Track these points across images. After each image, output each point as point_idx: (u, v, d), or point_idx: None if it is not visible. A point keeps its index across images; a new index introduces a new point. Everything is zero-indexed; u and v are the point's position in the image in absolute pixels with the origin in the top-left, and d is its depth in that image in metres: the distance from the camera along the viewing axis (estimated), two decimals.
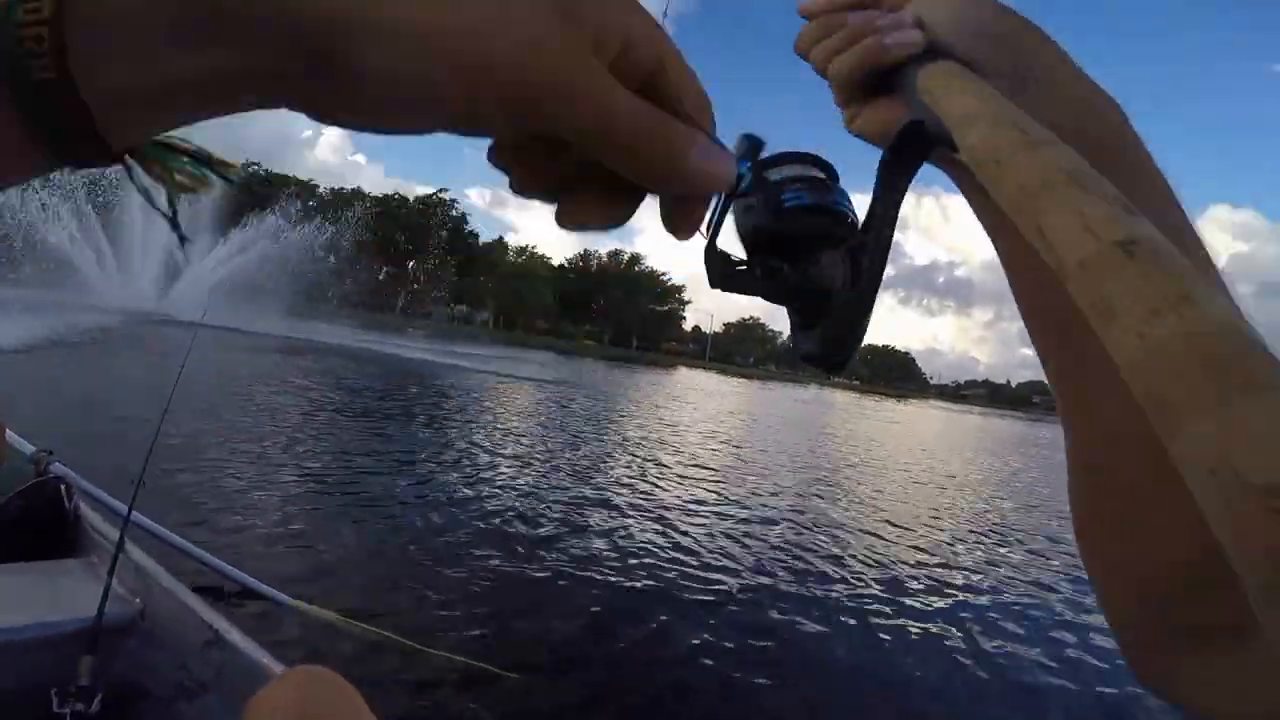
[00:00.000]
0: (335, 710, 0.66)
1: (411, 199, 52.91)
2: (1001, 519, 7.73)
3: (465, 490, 4.78)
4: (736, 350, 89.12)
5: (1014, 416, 66.38)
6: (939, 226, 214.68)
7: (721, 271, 0.30)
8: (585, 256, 75.29)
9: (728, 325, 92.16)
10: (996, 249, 0.35)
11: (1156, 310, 0.15)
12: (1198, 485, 0.12)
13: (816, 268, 0.30)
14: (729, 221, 0.30)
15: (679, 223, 0.22)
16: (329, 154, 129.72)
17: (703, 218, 0.23)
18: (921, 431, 25.54)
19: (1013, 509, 8.63)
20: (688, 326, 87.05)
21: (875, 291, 0.29)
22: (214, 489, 3.74)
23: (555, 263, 71.10)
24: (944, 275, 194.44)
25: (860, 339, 0.30)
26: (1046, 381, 0.34)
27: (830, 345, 0.30)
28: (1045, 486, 10.94)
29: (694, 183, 0.20)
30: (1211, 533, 0.12)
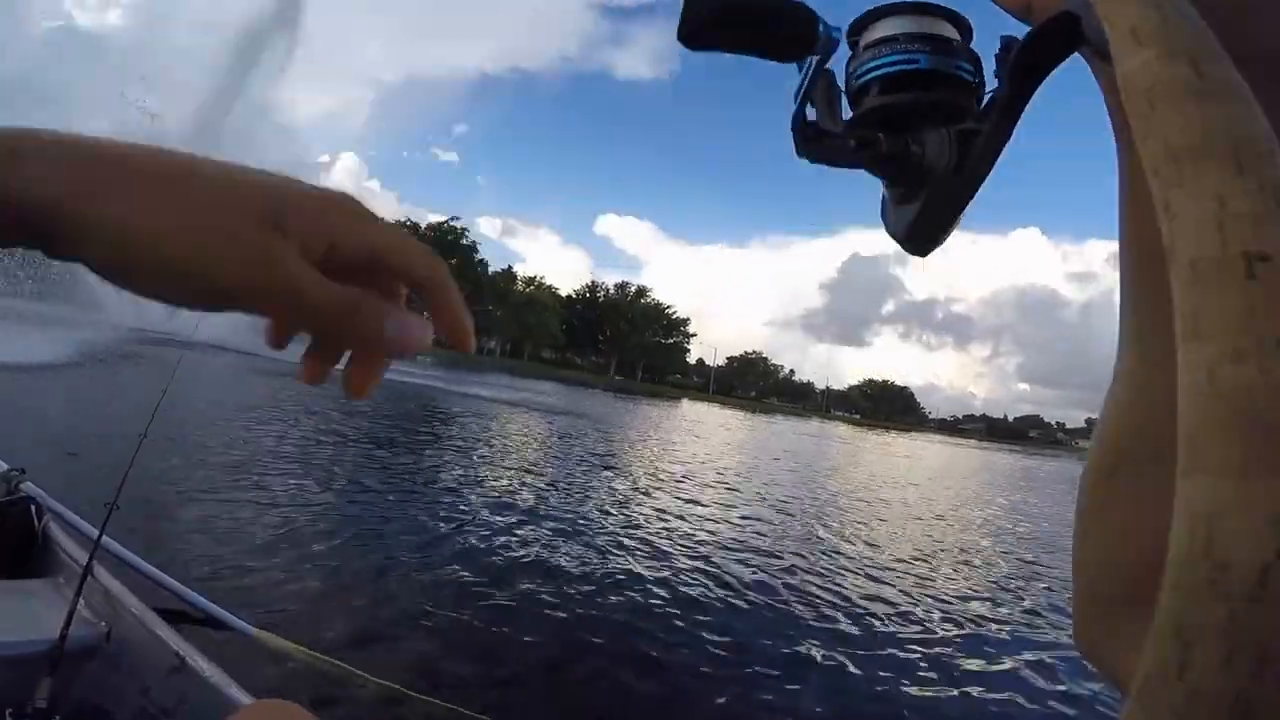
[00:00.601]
0: None
1: (423, 226, 53.72)
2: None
3: (452, 523, 4.65)
4: (739, 383, 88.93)
5: (1010, 449, 66.45)
6: (938, 263, 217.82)
7: (807, 139, 0.27)
8: (593, 287, 75.95)
9: (730, 359, 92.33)
10: (1119, 158, 0.29)
11: (1242, 353, 0.13)
12: (1179, 526, 0.12)
13: (919, 145, 0.27)
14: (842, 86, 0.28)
15: (352, 380, 0.25)
16: (344, 177, 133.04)
17: (378, 381, 0.25)
18: (934, 463, 25.39)
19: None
20: (691, 359, 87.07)
21: (979, 183, 0.26)
22: (190, 514, 3.66)
23: (563, 293, 71.70)
24: (943, 311, 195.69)
25: (952, 228, 0.28)
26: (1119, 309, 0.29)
27: (922, 227, 0.28)
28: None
29: (387, 347, 0.23)
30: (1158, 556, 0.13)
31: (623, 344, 72.15)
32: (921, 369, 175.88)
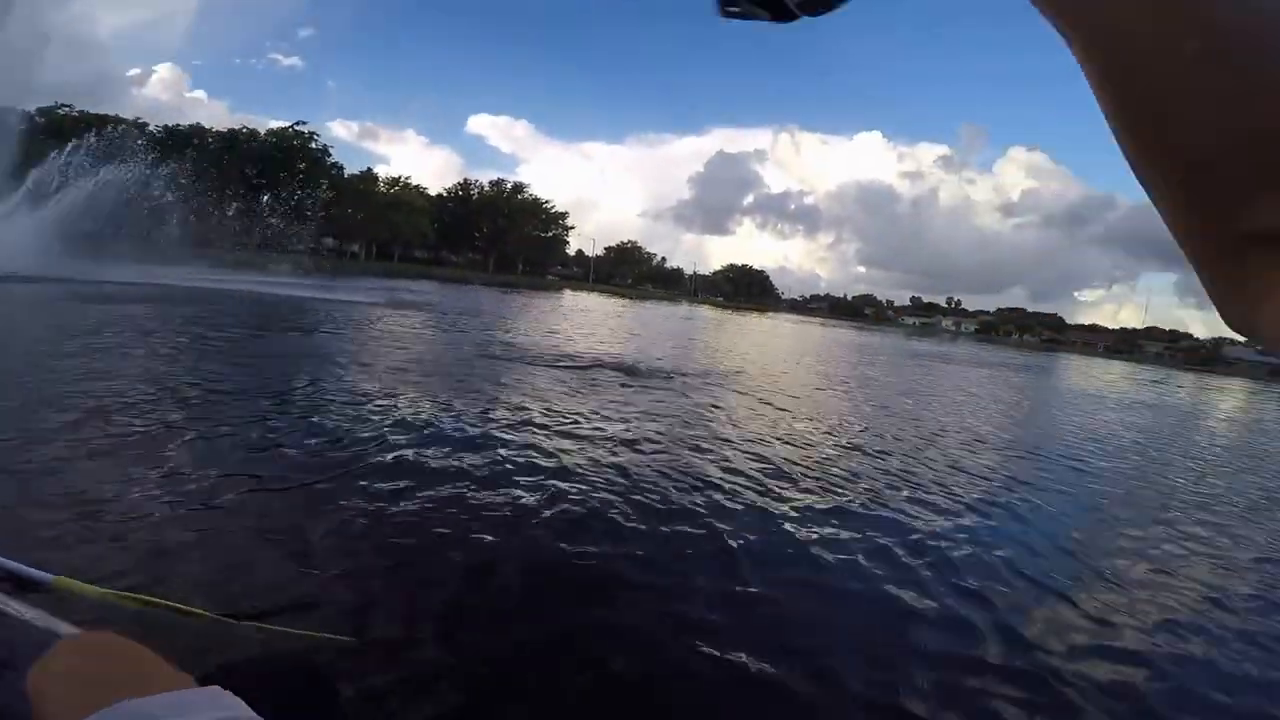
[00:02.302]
0: (130, 669, 0.54)
1: (262, 132, 46.75)
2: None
3: (312, 435, 4.31)
4: (616, 272, 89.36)
5: (849, 326, 72.13)
6: (792, 159, 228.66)
7: None
8: (465, 186, 71.02)
9: (608, 249, 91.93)
10: None
11: None
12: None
13: None
14: None
15: None
16: (161, 91, 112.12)
17: None
18: (795, 339, 27.58)
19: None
20: (571, 250, 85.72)
21: None
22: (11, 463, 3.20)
23: (433, 193, 66.50)
24: (795, 203, 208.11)
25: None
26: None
27: None
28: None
29: None
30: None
31: (501, 239, 69.18)
32: (776, 254, 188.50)
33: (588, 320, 22.67)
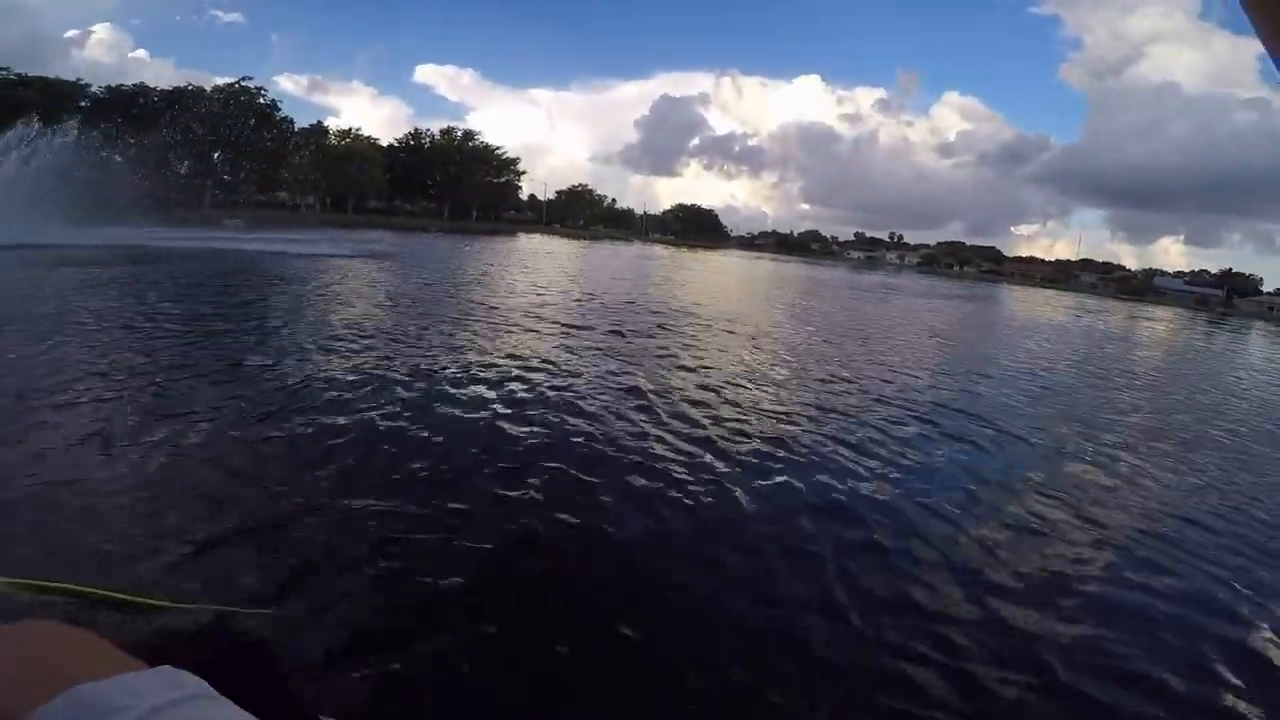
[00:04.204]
0: (77, 655, 0.45)
1: (209, 89, 45.94)
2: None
3: (241, 391, 4.15)
4: (569, 214, 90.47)
5: (797, 260, 72.16)
6: (735, 103, 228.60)
7: None
8: (416, 135, 70.54)
9: (559, 192, 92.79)
10: None
11: None
12: None
13: None
14: None
15: None
16: (102, 53, 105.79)
17: None
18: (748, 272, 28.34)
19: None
20: (524, 195, 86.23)
21: None
22: None
23: (384, 143, 66.08)
24: (739, 145, 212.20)
25: None
26: None
27: None
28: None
29: None
30: None
31: (455, 187, 69.54)
32: (723, 194, 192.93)
33: (553, 263, 22.78)
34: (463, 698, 1.79)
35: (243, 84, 47.13)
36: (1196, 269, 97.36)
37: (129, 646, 0.46)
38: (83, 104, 41.53)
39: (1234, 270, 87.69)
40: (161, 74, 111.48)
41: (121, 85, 45.68)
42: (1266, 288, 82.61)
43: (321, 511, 2.65)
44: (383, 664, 1.82)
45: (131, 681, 0.39)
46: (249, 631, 1.82)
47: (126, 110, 41.31)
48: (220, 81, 48.41)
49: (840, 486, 3.66)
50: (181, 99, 43.54)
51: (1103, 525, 3.58)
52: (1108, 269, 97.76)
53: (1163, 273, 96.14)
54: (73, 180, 18.66)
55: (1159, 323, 31.83)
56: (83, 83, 44.90)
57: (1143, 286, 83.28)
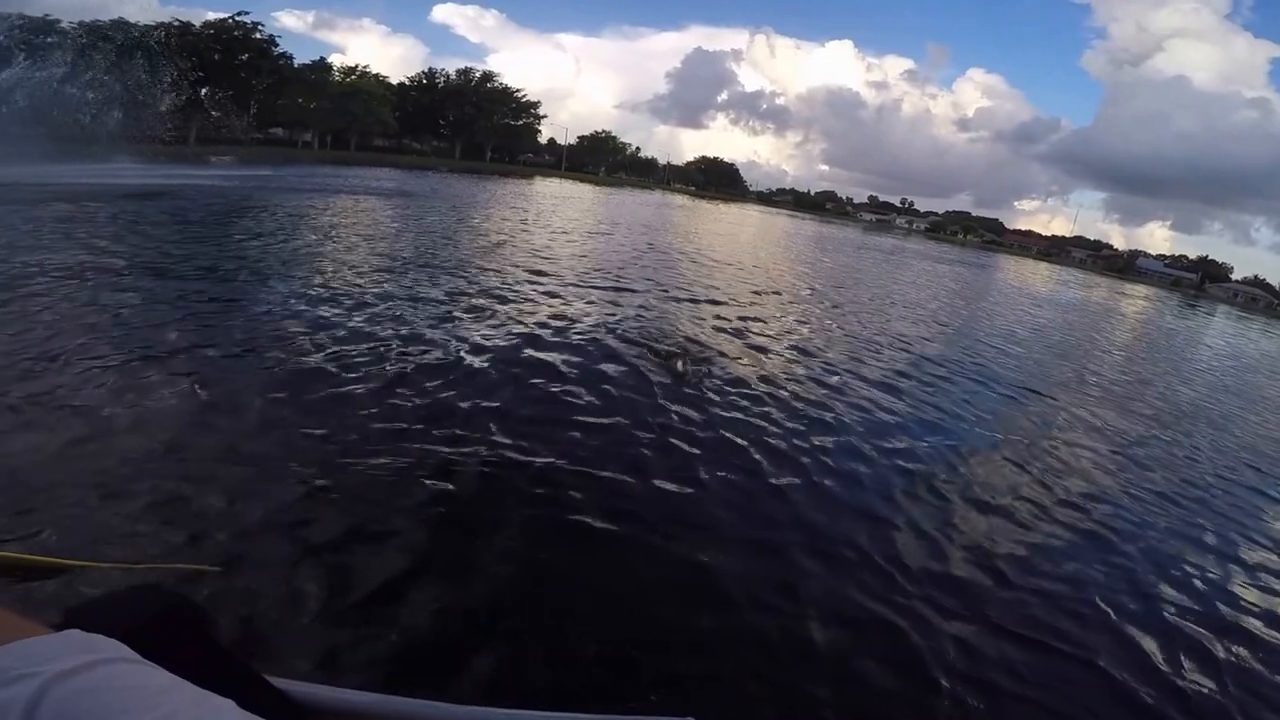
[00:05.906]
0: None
1: (198, 25, 41.63)
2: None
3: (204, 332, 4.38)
4: (590, 160, 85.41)
5: (813, 218, 73.84)
6: (766, 61, 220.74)
7: None
8: (430, 75, 65.54)
9: (581, 138, 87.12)
10: None
11: None
12: None
13: None
14: None
15: None
16: None
17: None
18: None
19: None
20: (543, 139, 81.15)
21: None
22: None
23: (395, 82, 61.28)
24: (767, 103, 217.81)
25: None
26: None
27: None
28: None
29: None
30: None
31: (469, 127, 64.91)
32: (746, 149, 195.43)
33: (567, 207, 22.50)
34: (425, 655, 1.85)
35: (236, 19, 43.04)
36: (1177, 253, 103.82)
37: (59, 614, 0.46)
38: (49, 39, 37.78)
39: (1209, 257, 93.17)
40: (145, 8, 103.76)
41: (97, 21, 41.71)
42: (1235, 276, 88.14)
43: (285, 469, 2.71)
44: (333, 621, 1.85)
45: (31, 646, 0.37)
46: (193, 591, 1.77)
47: (98, 45, 37.58)
48: (212, 16, 44.09)
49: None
50: (168, 34, 39.61)
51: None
52: (1097, 246, 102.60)
53: (1146, 254, 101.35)
54: (47, 118, 18.15)
55: (1133, 300, 34.52)
56: (50, 18, 40.94)
57: (1125, 265, 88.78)
